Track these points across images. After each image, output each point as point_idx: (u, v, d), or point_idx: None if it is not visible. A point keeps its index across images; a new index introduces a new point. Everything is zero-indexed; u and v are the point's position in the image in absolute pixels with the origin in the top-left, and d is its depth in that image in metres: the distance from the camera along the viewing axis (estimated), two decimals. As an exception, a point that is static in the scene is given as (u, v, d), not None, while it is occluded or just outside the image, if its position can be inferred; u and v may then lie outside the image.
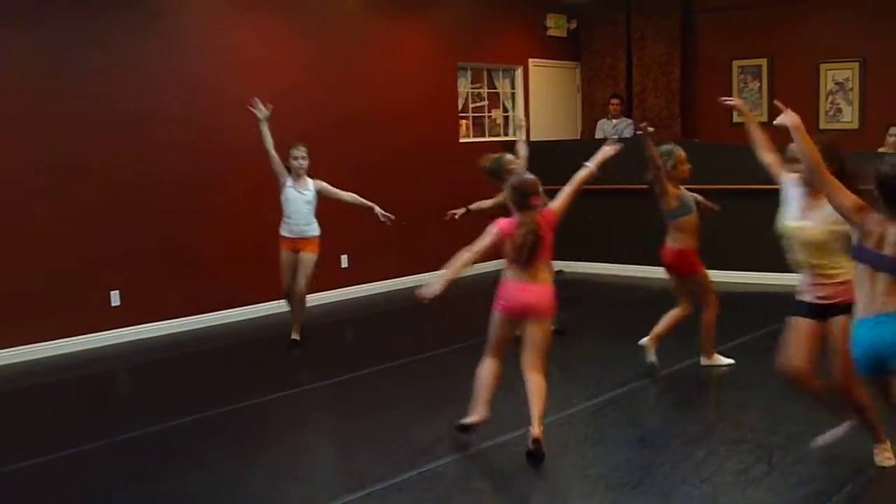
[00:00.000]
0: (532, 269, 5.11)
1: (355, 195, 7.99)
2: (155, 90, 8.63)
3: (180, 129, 8.80)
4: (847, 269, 4.33)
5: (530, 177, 5.27)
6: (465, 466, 5.09)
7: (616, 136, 11.42)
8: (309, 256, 7.83)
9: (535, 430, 5.00)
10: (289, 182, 7.78)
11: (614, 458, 5.11)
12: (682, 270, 6.62)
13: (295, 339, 7.98)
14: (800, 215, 4.61)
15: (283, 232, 7.85)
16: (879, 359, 3.84)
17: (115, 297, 8.43)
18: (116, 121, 8.36)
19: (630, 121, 12.30)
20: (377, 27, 10.64)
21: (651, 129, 6.27)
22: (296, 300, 7.97)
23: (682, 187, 6.61)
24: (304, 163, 7.75)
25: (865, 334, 3.87)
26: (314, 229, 7.85)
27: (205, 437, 5.78)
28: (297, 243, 7.81)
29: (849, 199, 3.93)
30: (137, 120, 8.50)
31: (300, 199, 7.76)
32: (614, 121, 12.24)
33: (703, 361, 6.85)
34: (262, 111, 7.70)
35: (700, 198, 7.00)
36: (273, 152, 7.71)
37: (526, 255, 5.07)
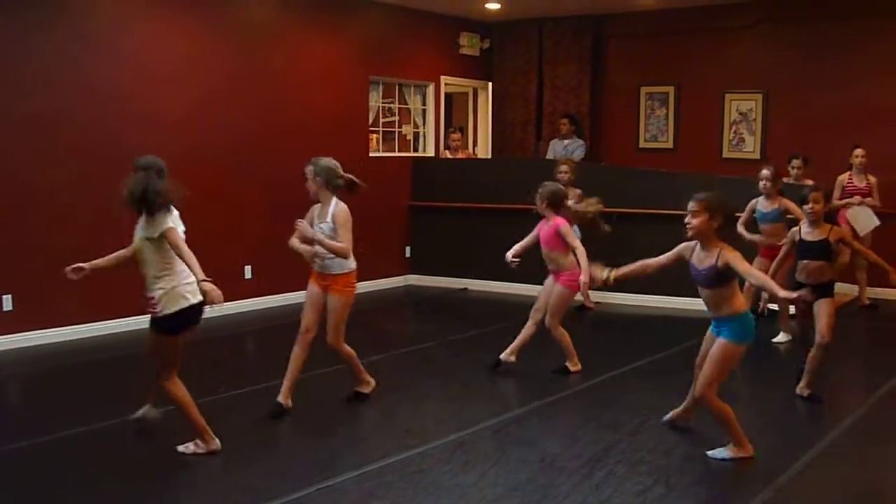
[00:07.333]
0: None
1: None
2: (60, 91, 8.42)
3: (83, 132, 8.56)
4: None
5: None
6: (367, 484, 5.02)
7: (567, 156, 11.44)
8: (334, 298, 6.26)
9: None
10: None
11: (514, 478, 5.10)
12: None
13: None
14: None
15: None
16: None
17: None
18: (16, 120, 8.14)
19: (581, 141, 12.22)
20: (290, 37, 10.54)
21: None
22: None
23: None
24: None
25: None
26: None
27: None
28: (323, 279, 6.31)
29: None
30: (39, 120, 8.26)
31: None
32: (566, 141, 12.17)
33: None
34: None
35: None
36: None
37: None
